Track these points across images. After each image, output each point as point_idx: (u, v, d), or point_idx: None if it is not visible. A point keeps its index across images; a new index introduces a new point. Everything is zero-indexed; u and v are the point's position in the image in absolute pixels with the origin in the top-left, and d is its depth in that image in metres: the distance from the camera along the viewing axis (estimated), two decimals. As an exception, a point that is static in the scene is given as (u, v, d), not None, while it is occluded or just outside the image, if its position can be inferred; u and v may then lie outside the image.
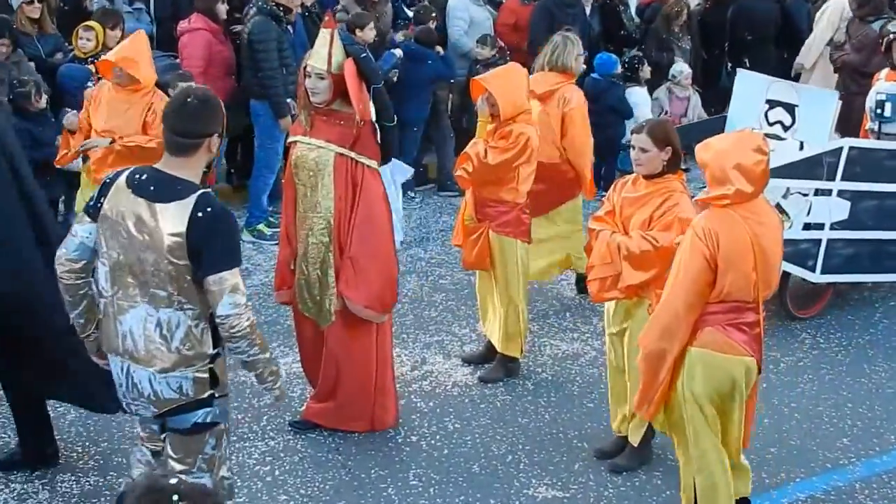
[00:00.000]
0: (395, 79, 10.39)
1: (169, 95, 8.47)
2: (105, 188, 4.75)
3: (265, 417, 6.84)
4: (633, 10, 12.93)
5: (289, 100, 9.31)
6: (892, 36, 8.98)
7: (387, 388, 6.72)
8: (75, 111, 7.86)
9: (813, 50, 11.58)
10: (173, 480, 2.42)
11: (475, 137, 7.21)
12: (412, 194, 11.11)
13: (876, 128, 8.68)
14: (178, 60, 9.92)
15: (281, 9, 9.69)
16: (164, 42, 10.55)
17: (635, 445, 6.32)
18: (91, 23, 9.29)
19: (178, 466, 4.87)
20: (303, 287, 6.49)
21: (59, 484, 6.13)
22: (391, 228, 6.56)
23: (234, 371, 7.36)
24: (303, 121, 6.40)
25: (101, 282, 4.79)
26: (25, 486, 6.09)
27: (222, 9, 9.91)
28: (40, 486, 6.10)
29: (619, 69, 11.23)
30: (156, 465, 5.08)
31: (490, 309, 7.42)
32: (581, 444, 6.64)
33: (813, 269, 8.22)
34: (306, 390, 6.98)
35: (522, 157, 7.02)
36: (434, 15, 11.38)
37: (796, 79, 11.37)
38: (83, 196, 7.86)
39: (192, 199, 4.59)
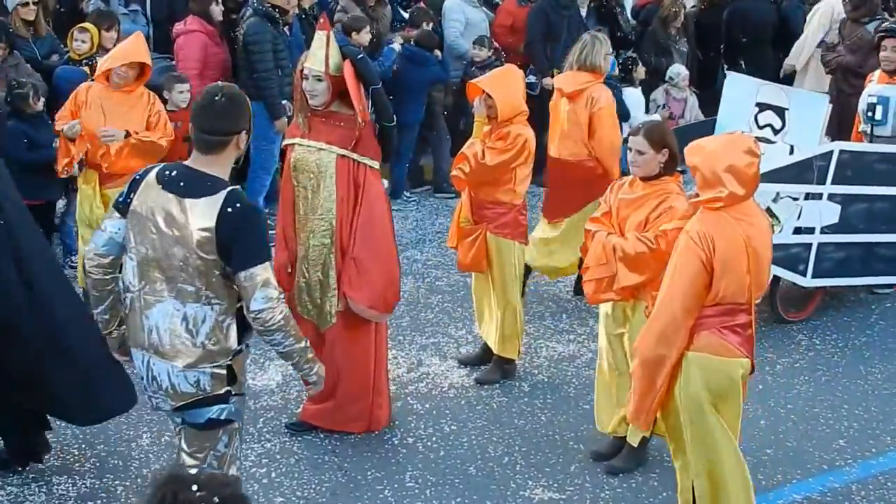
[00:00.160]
0: (393, 69, 10.41)
1: (163, 98, 8.55)
2: (135, 184, 4.80)
3: (261, 419, 6.84)
4: (628, 12, 12.95)
5: (284, 101, 9.31)
6: (882, 33, 8.96)
7: (382, 388, 6.76)
8: (77, 121, 7.68)
9: (805, 51, 11.57)
10: (193, 471, 2.51)
11: (472, 138, 7.22)
12: (408, 195, 11.11)
13: (868, 130, 8.69)
14: (173, 62, 9.92)
15: (276, 10, 9.68)
16: (161, 44, 10.53)
17: (634, 446, 6.33)
18: (86, 25, 9.28)
19: (190, 461, 4.91)
20: (303, 290, 6.49)
21: (56, 486, 6.12)
22: (392, 228, 6.60)
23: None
24: (300, 123, 6.40)
25: (128, 277, 4.83)
26: (22, 489, 6.09)
27: (217, 10, 9.90)
28: (36, 489, 6.10)
29: (616, 71, 11.23)
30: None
31: (486, 311, 7.42)
32: (577, 445, 6.64)
33: (804, 274, 8.16)
34: (302, 392, 6.97)
35: (520, 159, 7.04)
36: (431, 16, 11.38)
37: (786, 79, 11.35)
38: (83, 207, 7.81)
39: (221, 194, 4.63)
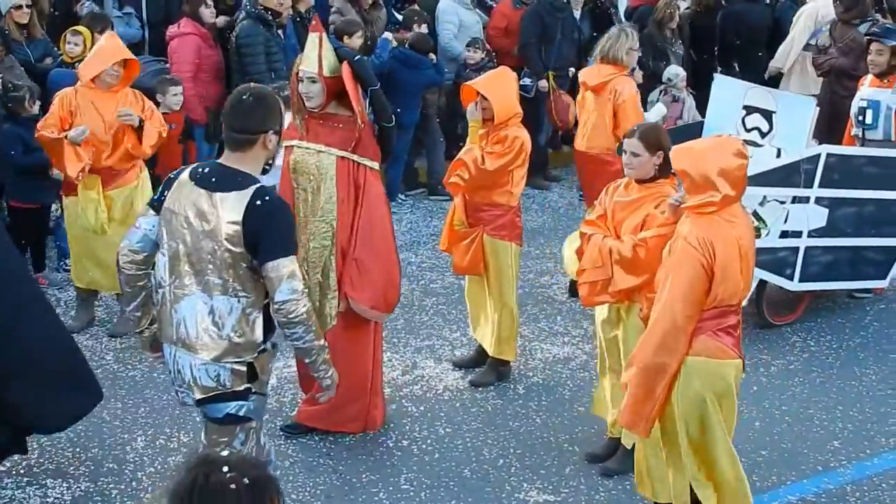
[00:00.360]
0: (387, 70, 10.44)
1: (156, 101, 8.55)
2: (169, 183, 4.95)
3: (256, 422, 6.83)
4: (622, 13, 12.96)
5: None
6: (868, 37, 8.96)
7: (378, 389, 6.78)
8: (85, 126, 7.63)
9: (792, 53, 11.56)
10: (224, 453, 2.62)
11: (467, 142, 7.22)
12: (403, 198, 11.11)
13: (860, 134, 8.68)
14: (167, 65, 9.92)
15: (269, 13, 9.68)
16: (155, 46, 10.53)
17: (629, 448, 6.32)
18: (79, 27, 9.28)
19: None
20: None
21: (50, 490, 6.12)
22: (392, 229, 6.63)
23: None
24: (298, 125, 6.41)
25: (160, 272, 4.96)
26: (16, 493, 6.08)
27: (207, 13, 9.90)
28: (31, 493, 6.09)
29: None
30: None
31: (481, 313, 7.42)
32: (572, 447, 6.64)
33: (791, 278, 8.12)
34: (297, 395, 6.97)
35: (518, 161, 7.05)
36: (426, 17, 11.38)
37: (772, 81, 11.33)
38: (86, 213, 7.75)
39: (251, 189, 4.76)
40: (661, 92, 11.75)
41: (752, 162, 7.53)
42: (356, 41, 10.01)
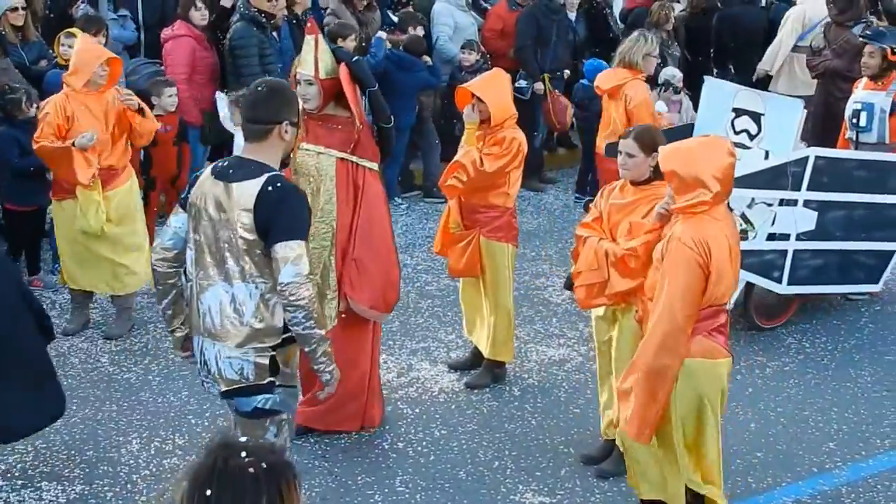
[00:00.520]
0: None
1: (150, 103, 8.55)
2: (194, 180, 5.07)
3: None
4: (616, 14, 12.98)
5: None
6: (862, 39, 8.97)
7: (376, 387, 6.80)
8: (93, 132, 7.62)
9: (779, 56, 11.56)
10: (243, 439, 2.70)
11: (462, 143, 7.22)
12: (399, 201, 11.10)
13: (854, 137, 8.66)
14: (162, 67, 9.91)
15: (263, 15, 9.67)
16: (152, 49, 10.52)
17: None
18: (73, 30, 9.26)
19: None
20: None
21: (45, 493, 6.11)
22: (392, 229, 6.65)
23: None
24: None
25: (188, 267, 5.08)
26: (11, 495, 6.07)
27: (197, 15, 9.88)
28: (25, 496, 6.08)
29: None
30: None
31: (477, 315, 7.42)
32: (567, 449, 6.64)
33: (779, 281, 8.07)
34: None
35: (515, 162, 7.06)
36: (421, 19, 11.38)
37: (760, 83, 11.32)
38: (86, 216, 7.73)
39: (263, 177, 4.84)
40: (658, 93, 11.76)
41: (741, 164, 7.54)
42: (350, 44, 10.00)
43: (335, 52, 6.52)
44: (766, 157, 8.02)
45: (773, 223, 7.92)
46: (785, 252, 8.04)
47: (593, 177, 11.11)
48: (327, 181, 6.34)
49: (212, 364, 5.01)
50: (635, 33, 9.13)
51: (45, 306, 7.93)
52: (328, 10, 10.97)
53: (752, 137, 8.17)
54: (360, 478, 6.30)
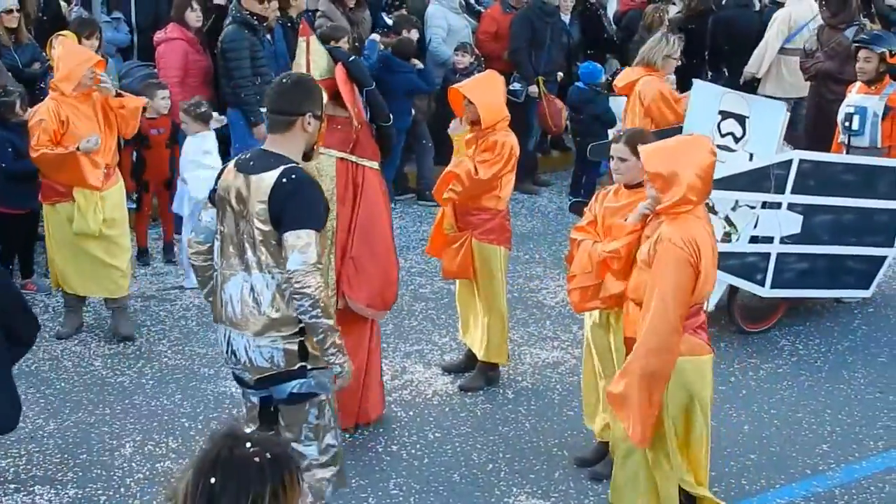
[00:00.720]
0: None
1: (145, 106, 8.54)
2: (220, 174, 5.18)
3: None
4: (610, 16, 13.00)
5: (263, 108, 9.28)
6: (856, 43, 8.96)
7: (372, 382, 6.78)
8: (97, 135, 7.61)
9: (766, 58, 11.57)
10: (248, 429, 2.77)
11: (455, 153, 7.22)
12: (393, 204, 11.09)
13: (846, 140, 8.65)
14: (155, 70, 9.91)
15: (255, 17, 9.67)
16: (145, 51, 10.52)
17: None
18: (65, 32, 9.24)
19: (288, 434, 5.16)
20: None
21: (38, 497, 6.10)
22: (391, 228, 6.66)
23: (214, 382, 7.36)
24: None
25: (214, 257, 5.20)
26: (4, 500, 6.06)
27: (192, 17, 9.88)
28: (19, 499, 6.07)
29: (604, 78, 11.27)
30: None
31: (471, 317, 7.42)
32: (561, 452, 6.64)
33: (762, 284, 8.01)
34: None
35: (508, 167, 7.06)
36: (415, 22, 11.38)
37: (746, 86, 11.32)
38: (85, 217, 7.71)
39: (280, 168, 4.91)
40: None
41: (726, 167, 7.55)
42: (343, 46, 9.98)
43: (332, 51, 6.53)
44: (751, 159, 8.01)
45: (755, 226, 7.87)
46: (768, 255, 7.97)
47: (587, 179, 11.14)
48: (327, 181, 6.35)
49: (241, 354, 5.06)
50: (658, 33, 9.28)
51: (37, 310, 7.98)
52: (319, 13, 10.97)
53: (737, 140, 8.16)
54: (353, 481, 6.29)
